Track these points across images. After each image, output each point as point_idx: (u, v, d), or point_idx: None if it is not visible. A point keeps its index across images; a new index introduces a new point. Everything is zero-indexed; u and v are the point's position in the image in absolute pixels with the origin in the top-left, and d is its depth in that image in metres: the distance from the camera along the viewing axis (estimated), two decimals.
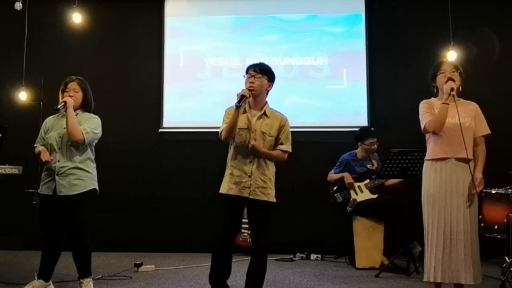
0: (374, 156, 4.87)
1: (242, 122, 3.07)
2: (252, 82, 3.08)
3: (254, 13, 5.97)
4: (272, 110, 3.19)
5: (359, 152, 4.92)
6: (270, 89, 3.18)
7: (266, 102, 3.18)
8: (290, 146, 3.19)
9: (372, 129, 5.15)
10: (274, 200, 3.11)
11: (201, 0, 6.05)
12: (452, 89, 3.05)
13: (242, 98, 2.98)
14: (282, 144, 3.15)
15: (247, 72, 3.15)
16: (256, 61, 5.96)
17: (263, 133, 3.08)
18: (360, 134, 4.94)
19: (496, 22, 5.56)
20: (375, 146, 4.83)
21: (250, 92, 3.04)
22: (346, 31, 5.83)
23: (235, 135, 3.07)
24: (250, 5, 6.00)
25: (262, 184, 3.06)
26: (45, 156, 3.36)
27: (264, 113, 3.13)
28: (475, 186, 3.03)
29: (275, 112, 3.20)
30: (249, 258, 3.17)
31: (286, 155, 3.19)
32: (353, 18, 5.84)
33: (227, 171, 3.11)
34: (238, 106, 2.96)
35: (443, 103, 3.07)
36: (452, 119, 3.07)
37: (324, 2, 5.93)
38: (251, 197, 3.02)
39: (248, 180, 3.02)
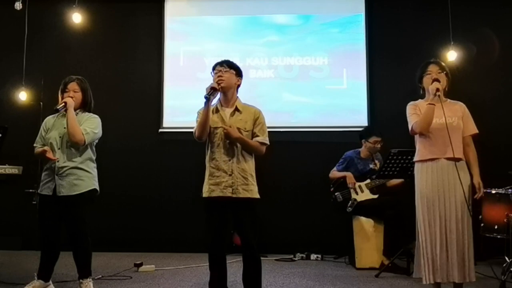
0: (378, 156, 4.87)
1: (215, 121, 3.03)
2: (220, 76, 3.03)
3: (254, 13, 5.97)
4: (244, 104, 3.13)
5: (363, 150, 4.92)
6: (239, 83, 3.13)
7: (237, 98, 3.12)
8: (267, 139, 3.11)
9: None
10: (257, 196, 3.04)
11: (201, 0, 6.06)
12: (437, 90, 3.08)
13: (211, 90, 2.93)
14: (257, 136, 3.08)
15: (213, 69, 3.11)
16: (256, 61, 5.98)
17: (239, 129, 3.02)
18: (365, 131, 4.95)
19: (496, 22, 5.56)
20: (379, 145, 4.82)
21: (219, 85, 2.99)
22: (346, 31, 5.83)
23: (211, 135, 3.03)
24: (250, 5, 6.01)
25: (244, 181, 2.99)
26: (50, 155, 3.36)
27: (236, 109, 3.07)
28: (474, 192, 3.09)
29: (247, 106, 3.14)
30: None
31: (264, 148, 3.10)
32: (353, 18, 5.84)
33: (206, 173, 3.05)
34: (207, 98, 2.91)
35: (429, 103, 3.09)
36: (439, 119, 3.10)
37: (324, 2, 5.93)
38: (234, 196, 2.96)
39: (229, 179, 2.96)
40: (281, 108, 5.70)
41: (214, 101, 3.09)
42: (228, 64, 3.10)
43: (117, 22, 6.02)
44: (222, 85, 3.01)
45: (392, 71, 5.69)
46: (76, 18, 5.42)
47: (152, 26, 5.99)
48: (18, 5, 5.18)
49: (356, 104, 5.71)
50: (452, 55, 5.23)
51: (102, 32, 5.93)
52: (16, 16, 5.47)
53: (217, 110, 3.07)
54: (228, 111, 3.07)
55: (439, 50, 5.29)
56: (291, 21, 5.93)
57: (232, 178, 2.97)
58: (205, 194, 3.02)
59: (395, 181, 4.70)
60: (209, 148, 3.07)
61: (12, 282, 3.79)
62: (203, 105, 3.00)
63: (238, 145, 3.01)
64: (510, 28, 5.57)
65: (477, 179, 3.14)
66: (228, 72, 3.06)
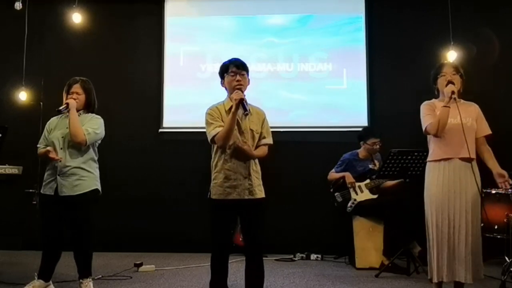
0: (377, 156, 4.87)
1: None
2: (239, 80, 2.99)
3: (254, 13, 5.97)
4: (250, 105, 3.09)
5: (361, 151, 4.92)
6: (249, 84, 3.11)
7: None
8: (271, 139, 3.13)
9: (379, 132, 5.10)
10: (264, 195, 3.08)
11: (201, 0, 6.06)
12: (453, 93, 3.08)
13: (242, 102, 2.88)
14: (264, 138, 3.09)
15: (227, 70, 3.05)
16: (256, 61, 5.94)
17: (252, 131, 3.02)
18: (363, 133, 4.93)
19: (496, 22, 5.56)
20: (378, 146, 4.82)
21: (241, 90, 2.96)
22: (346, 31, 5.83)
23: None
24: (250, 6, 6.00)
25: (258, 182, 3.02)
26: (53, 155, 3.37)
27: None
28: (499, 182, 3.09)
29: (254, 107, 3.12)
30: None
31: (267, 149, 3.11)
32: (353, 18, 5.84)
33: (219, 175, 2.98)
34: (248, 113, 2.90)
35: (444, 106, 3.09)
36: (454, 119, 3.10)
37: (324, 2, 5.93)
38: (251, 197, 2.95)
39: (245, 182, 2.95)
40: (281, 108, 5.70)
41: (223, 98, 3.08)
42: (243, 66, 3.06)
43: (117, 22, 6.02)
44: (241, 89, 2.98)
45: (392, 71, 5.69)
46: (76, 18, 5.42)
47: (152, 26, 5.99)
48: (18, 5, 5.18)
49: (356, 104, 5.71)
50: (452, 55, 5.23)
51: (102, 32, 5.93)
52: (16, 16, 5.47)
53: (230, 112, 2.99)
54: (240, 112, 3.00)
55: (439, 50, 5.30)
56: (291, 22, 5.93)
57: (249, 180, 2.97)
58: (217, 196, 2.97)
59: (390, 182, 4.70)
60: (222, 150, 2.99)
61: (12, 282, 3.79)
62: (207, 104, 2.99)
63: (252, 147, 3.00)
64: (510, 28, 5.58)
65: (501, 170, 3.13)
66: (244, 76, 3.03)
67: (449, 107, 3.08)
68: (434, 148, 3.21)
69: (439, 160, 3.15)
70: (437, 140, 3.17)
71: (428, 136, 3.25)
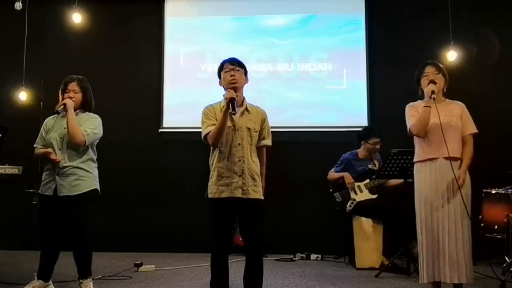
0: (376, 156, 4.86)
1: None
2: (233, 75, 3.00)
3: (254, 13, 5.97)
4: (249, 104, 3.10)
5: (361, 151, 4.92)
6: (247, 83, 3.11)
7: (244, 98, 3.09)
8: (270, 140, 3.12)
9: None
10: (262, 197, 3.04)
11: (201, 1, 6.06)
12: (433, 92, 3.09)
13: (232, 101, 2.85)
14: (264, 139, 3.08)
15: (222, 67, 3.08)
16: (256, 62, 5.95)
17: (249, 129, 3.00)
18: (364, 133, 4.92)
19: (496, 22, 5.56)
20: (378, 146, 4.82)
21: (234, 87, 2.95)
22: (346, 32, 5.83)
23: None
24: (250, 6, 6.01)
25: (253, 182, 2.98)
26: (53, 156, 3.37)
27: (246, 109, 3.05)
28: (458, 185, 3.04)
29: (253, 106, 3.11)
30: None
31: (264, 153, 3.12)
32: (353, 18, 5.84)
33: (214, 173, 2.99)
34: (235, 113, 2.88)
35: (425, 106, 3.10)
36: (436, 119, 3.10)
37: (324, 2, 5.94)
38: (244, 196, 2.93)
39: (239, 180, 2.93)
40: (281, 108, 5.70)
41: (220, 98, 3.07)
42: (238, 63, 3.07)
43: (117, 22, 6.03)
44: (236, 85, 2.98)
45: (392, 71, 5.68)
46: (76, 18, 5.42)
47: (152, 26, 5.99)
48: (18, 5, 5.18)
49: (356, 104, 5.71)
50: (452, 55, 5.24)
51: (102, 33, 5.94)
52: (16, 16, 5.47)
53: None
54: (237, 110, 2.98)
55: (439, 50, 5.30)
56: (292, 22, 5.93)
57: (242, 179, 2.94)
58: (213, 195, 2.97)
59: (395, 181, 4.70)
60: (217, 148, 3.00)
61: (12, 282, 3.79)
62: (207, 104, 2.99)
63: (248, 145, 2.98)
64: (510, 28, 5.57)
65: (459, 172, 3.06)
66: (239, 72, 3.03)
67: (429, 107, 3.09)
68: (418, 149, 3.23)
69: (424, 161, 3.15)
70: (421, 141, 3.19)
71: (414, 137, 3.25)
